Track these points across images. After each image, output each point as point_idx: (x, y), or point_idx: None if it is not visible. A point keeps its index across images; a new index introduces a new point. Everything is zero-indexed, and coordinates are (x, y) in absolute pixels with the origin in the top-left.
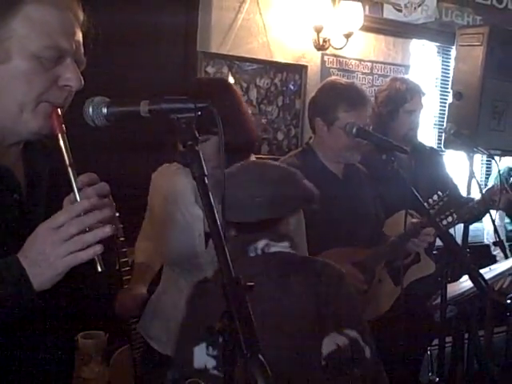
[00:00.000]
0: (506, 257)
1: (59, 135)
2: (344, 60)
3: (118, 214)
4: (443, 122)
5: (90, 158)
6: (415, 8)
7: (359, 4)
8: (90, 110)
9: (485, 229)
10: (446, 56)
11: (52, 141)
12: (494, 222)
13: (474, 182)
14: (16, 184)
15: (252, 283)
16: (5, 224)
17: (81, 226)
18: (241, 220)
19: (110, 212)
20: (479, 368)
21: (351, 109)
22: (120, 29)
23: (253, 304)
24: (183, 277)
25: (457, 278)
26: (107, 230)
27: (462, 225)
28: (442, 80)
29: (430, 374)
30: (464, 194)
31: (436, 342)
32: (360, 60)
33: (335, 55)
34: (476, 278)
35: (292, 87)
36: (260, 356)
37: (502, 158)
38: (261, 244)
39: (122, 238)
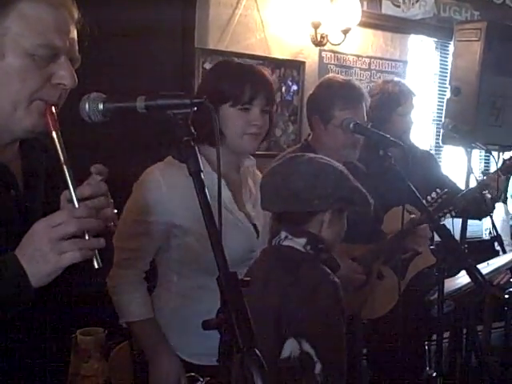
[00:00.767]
0: (504, 252)
1: (53, 133)
2: (342, 56)
3: (116, 211)
4: (441, 117)
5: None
6: (413, 3)
7: (357, 0)
8: (87, 106)
9: (483, 224)
10: (444, 51)
11: (48, 138)
12: (491, 216)
13: (472, 177)
14: (13, 180)
15: (248, 278)
16: (3, 221)
17: (79, 225)
18: (272, 210)
19: (108, 212)
20: (477, 363)
21: (347, 107)
22: (117, 25)
23: (251, 293)
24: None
25: (454, 274)
26: (101, 242)
27: (460, 220)
28: (440, 75)
29: (427, 369)
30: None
31: (435, 337)
32: (358, 56)
33: (333, 51)
34: (473, 273)
35: (290, 83)
36: (256, 350)
37: (501, 153)
38: (282, 235)
39: None
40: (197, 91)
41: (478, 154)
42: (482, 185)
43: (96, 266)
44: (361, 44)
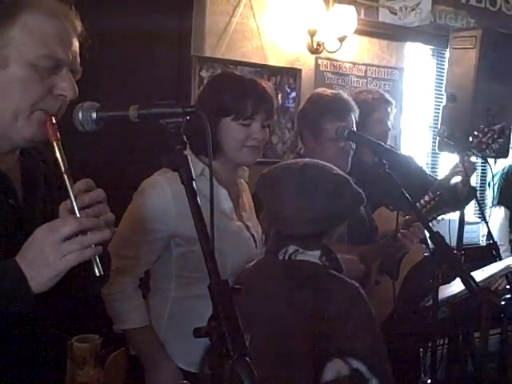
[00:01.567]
0: (500, 259)
1: (54, 143)
2: (338, 63)
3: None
4: (438, 124)
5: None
6: (410, 11)
7: (352, 7)
8: (80, 115)
9: (480, 230)
10: (440, 59)
11: (47, 147)
12: (487, 223)
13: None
14: (12, 189)
15: (239, 286)
16: (1, 229)
17: (79, 229)
18: (286, 232)
19: (108, 218)
20: (474, 370)
21: (336, 119)
22: (114, 33)
23: (263, 308)
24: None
25: (449, 281)
26: (106, 234)
27: (456, 226)
28: (436, 82)
29: (422, 376)
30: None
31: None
32: (354, 63)
33: (329, 58)
34: (467, 280)
35: (287, 91)
36: (247, 358)
37: (497, 160)
38: (290, 249)
39: None
40: (197, 101)
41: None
42: (452, 171)
43: (97, 274)
44: (357, 51)
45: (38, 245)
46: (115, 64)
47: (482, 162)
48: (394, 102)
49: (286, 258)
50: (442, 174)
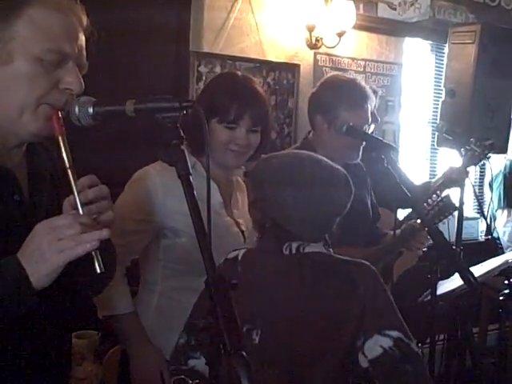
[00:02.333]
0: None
1: (59, 138)
2: (337, 59)
3: None
4: (437, 119)
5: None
6: (409, 6)
7: (351, 2)
8: (76, 109)
9: (479, 226)
10: (439, 54)
11: (54, 144)
12: (486, 218)
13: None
14: (17, 185)
15: (236, 281)
16: (6, 224)
17: (79, 228)
18: (286, 224)
19: (109, 216)
20: (473, 365)
21: (352, 108)
22: (112, 29)
23: (280, 301)
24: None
25: (448, 276)
26: (104, 234)
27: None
28: (435, 78)
29: None
30: (457, 192)
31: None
32: (353, 58)
33: (328, 54)
34: (466, 275)
35: (285, 86)
36: (244, 353)
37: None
38: (295, 244)
39: None
40: (196, 98)
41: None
42: (448, 181)
43: (98, 271)
44: (356, 47)
45: (37, 241)
46: (113, 59)
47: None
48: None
49: (294, 251)
50: (439, 171)
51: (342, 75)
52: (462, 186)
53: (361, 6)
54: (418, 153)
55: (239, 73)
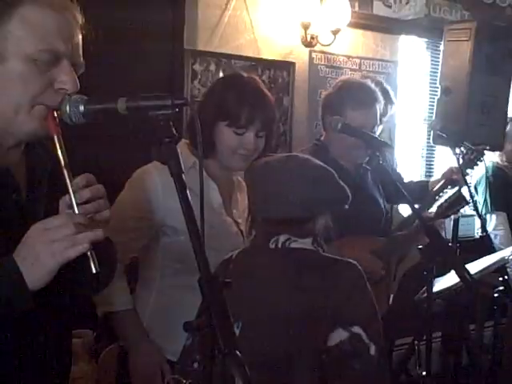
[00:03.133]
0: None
1: (55, 137)
2: (332, 56)
3: None
4: (432, 117)
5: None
6: (404, 4)
7: (346, 0)
8: (68, 107)
9: (475, 223)
10: (435, 51)
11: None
12: (480, 215)
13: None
14: (15, 184)
15: (229, 280)
16: (4, 224)
17: (74, 229)
18: (270, 216)
19: (105, 215)
20: (469, 362)
21: (359, 108)
22: (106, 26)
23: (262, 295)
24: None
25: (444, 273)
26: (99, 234)
27: (452, 219)
28: (431, 75)
29: (417, 368)
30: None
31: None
32: (348, 56)
33: (323, 52)
34: (461, 273)
35: (280, 84)
36: (237, 352)
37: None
38: (282, 238)
39: None
40: (202, 98)
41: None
42: (448, 181)
43: (94, 271)
44: (351, 45)
45: (31, 242)
46: (107, 58)
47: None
48: None
49: (279, 246)
50: (435, 169)
51: (353, 78)
52: (461, 186)
53: (356, 3)
54: (414, 150)
55: (245, 74)
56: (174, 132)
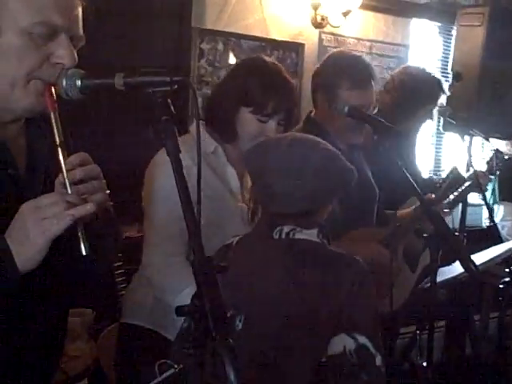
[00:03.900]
0: (502, 241)
1: (51, 114)
2: (342, 38)
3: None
4: (444, 103)
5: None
6: None
7: None
8: (64, 81)
9: (483, 213)
10: (447, 36)
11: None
12: (488, 205)
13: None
14: (11, 159)
15: (225, 264)
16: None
17: (64, 206)
18: (275, 211)
19: (100, 196)
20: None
21: (355, 87)
22: (113, 5)
23: (261, 287)
24: None
25: (449, 263)
26: (89, 208)
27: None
28: (442, 60)
29: (418, 358)
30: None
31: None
32: (359, 39)
33: (333, 33)
34: (466, 263)
35: (289, 65)
36: (229, 339)
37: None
38: (286, 228)
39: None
40: (225, 77)
41: (480, 142)
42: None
43: (83, 253)
44: (362, 27)
45: (22, 221)
46: (114, 36)
47: None
48: None
49: (283, 236)
50: (444, 156)
51: (346, 51)
52: (485, 191)
53: None
54: (423, 138)
55: (267, 58)
56: (173, 110)
